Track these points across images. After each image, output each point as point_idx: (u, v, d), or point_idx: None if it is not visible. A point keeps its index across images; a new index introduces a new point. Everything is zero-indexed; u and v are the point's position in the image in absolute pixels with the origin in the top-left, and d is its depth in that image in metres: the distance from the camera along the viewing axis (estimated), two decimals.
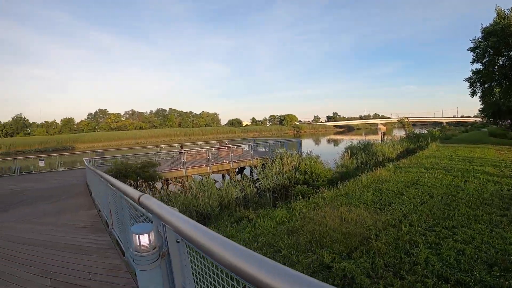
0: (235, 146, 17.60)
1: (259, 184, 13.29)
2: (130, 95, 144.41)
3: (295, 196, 9.26)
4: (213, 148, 16.25)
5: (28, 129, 78.29)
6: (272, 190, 12.10)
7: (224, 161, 15.73)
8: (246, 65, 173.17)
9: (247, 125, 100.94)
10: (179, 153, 15.01)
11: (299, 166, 13.00)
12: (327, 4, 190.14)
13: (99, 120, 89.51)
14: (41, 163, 17.90)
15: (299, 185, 11.41)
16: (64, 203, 9.59)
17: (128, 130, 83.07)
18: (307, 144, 19.87)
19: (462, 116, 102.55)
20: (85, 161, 13.25)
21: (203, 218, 8.78)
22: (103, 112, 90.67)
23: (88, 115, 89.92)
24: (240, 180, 13.80)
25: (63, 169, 19.27)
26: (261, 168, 14.79)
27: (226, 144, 18.95)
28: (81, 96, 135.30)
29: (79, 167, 20.64)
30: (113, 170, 12.94)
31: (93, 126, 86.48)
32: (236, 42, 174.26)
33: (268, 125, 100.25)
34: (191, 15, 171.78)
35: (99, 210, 7.79)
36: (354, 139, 29.72)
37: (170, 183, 14.32)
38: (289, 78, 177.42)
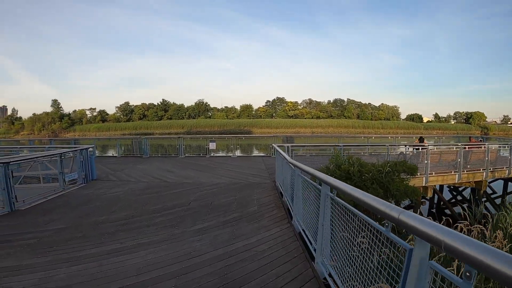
0: (493, 146, 15.53)
1: None
2: (307, 85, 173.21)
3: None
4: (465, 146, 14.23)
5: (209, 113, 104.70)
6: None
7: (469, 167, 13.60)
8: (423, 55, 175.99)
9: (428, 121, 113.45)
10: (422, 149, 12.74)
11: None
12: None
13: (277, 108, 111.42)
14: (212, 145, 16.98)
15: None
16: (238, 238, 5.18)
17: (305, 118, 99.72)
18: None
19: None
20: (277, 148, 9.17)
21: None
22: (280, 100, 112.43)
23: (266, 102, 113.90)
24: None
25: (239, 154, 17.77)
26: None
27: (480, 140, 17.59)
28: (259, 85, 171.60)
29: (256, 154, 18.87)
30: (335, 173, 8.82)
31: (271, 113, 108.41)
32: (411, 30, 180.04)
33: (452, 123, 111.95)
34: (362, 4, 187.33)
35: None
36: None
37: None
38: (472, 69, 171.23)
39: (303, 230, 5.21)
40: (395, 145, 16.50)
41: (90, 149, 10.59)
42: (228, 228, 5.62)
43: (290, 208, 6.55)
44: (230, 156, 16.98)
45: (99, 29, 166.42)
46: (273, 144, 11.43)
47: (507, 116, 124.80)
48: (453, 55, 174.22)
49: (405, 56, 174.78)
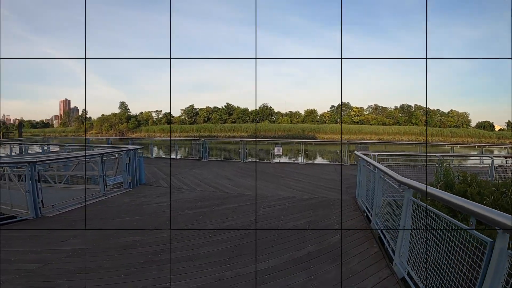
0: None
1: None
2: (373, 90, 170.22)
3: None
4: None
5: (273, 117, 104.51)
6: None
7: None
8: (494, 57, 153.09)
9: (500, 129, 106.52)
10: None
11: None
12: None
13: (342, 113, 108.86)
14: (278, 151, 15.21)
15: None
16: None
17: (371, 125, 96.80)
18: None
19: None
20: (363, 157, 7.12)
21: None
22: (345, 105, 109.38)
23: (330, 107, 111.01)
24: None
25: (307, 161, 15.68)
26: None
27: None
28: (323, 90, 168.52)
29: (326, 162, 16.68)
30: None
31: (335, 118, 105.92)
32: (479, 32, 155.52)
33: None
34: (424, 5, 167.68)
35: None
36: None
37: None
38: None
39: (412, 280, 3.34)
40: (500, 157, 13.54)
41: (139, 150, 9.43)
42: (303, 272, 3.76)
43: (385, 242, 4.58)
44: (298, 163, 15.02)
45: (165, 36, 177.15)
46: (356, 152, 9.07)
47: None
48: None
49: (474, 59, 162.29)
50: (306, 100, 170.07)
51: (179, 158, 16.27)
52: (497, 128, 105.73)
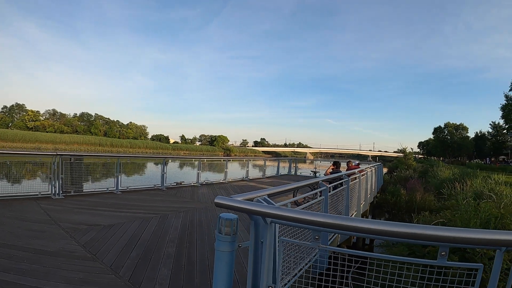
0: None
1: None
2: (53, 93, 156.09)
3: None
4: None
5: None
6: None
7: None
8: (174, 81, 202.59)
9: (175, 142, 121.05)
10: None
11: None
12: (262, 34, 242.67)
13: (15, 116, 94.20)
14: None
15: None
16: None
17: (47, 132, 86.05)
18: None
19: (385, 151, 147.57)
20: None
21: None
22: (20, 107, 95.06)
23: (2, 108, 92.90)
24: None
25: None
26: None
27: (358, 164, 13.28)
28: None
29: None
30: None
31: (7, 122, 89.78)
32: (166, 56, 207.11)
33: (197, 144, 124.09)
34: (128, 23, 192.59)
35: None
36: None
37: None
38: (216, 99, 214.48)
39: None
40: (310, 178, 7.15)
41: None
42: None
43: None
44: None
45: None
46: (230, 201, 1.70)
47: (245, 140, 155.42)
48: (201, 85, 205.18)
49: (158, 80, 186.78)
50: None
51: None
52: (171, 140, 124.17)
